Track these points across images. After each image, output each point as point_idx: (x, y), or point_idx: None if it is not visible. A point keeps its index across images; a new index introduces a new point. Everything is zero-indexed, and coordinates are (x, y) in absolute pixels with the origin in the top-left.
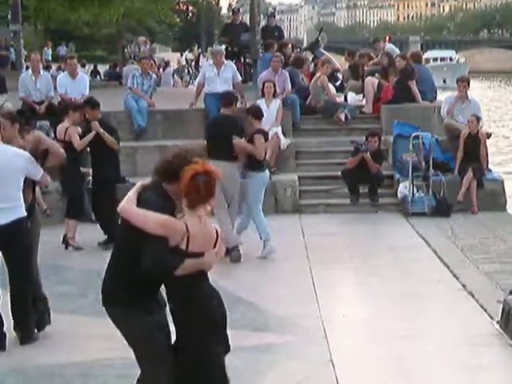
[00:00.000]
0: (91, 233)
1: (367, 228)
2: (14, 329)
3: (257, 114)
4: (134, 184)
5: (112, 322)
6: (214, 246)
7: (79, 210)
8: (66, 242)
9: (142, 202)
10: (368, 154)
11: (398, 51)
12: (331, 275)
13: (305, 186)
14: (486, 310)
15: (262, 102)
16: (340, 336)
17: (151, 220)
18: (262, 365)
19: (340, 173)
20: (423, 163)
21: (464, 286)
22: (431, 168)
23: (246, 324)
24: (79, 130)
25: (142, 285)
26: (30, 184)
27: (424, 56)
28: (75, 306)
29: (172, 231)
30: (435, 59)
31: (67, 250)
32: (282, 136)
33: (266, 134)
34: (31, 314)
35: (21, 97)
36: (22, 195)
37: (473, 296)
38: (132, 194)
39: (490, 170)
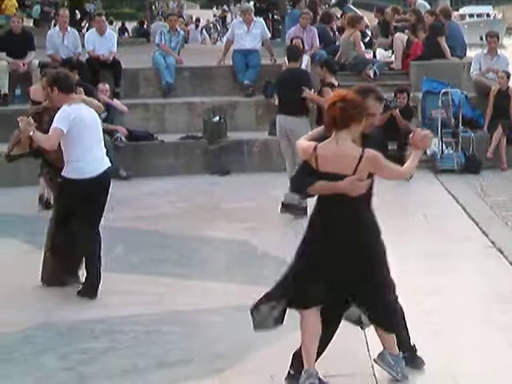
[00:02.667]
0: (119, 189)
1: (396, 185)
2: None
3: (331, 67)
4: (162, 141)
5: None
6: (355, 171)
7: None
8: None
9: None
10: (397, 110)
11: (428, 7)
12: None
13: None
14: None
15: None
16: None
17: (299, 147)
18: (291, 320)
19: None
20: (452, 120)
21: (493, 243)
22: (460, 125)
23: (274, 280)
24: None
25: None
26: None
27: (460, 12)
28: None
29: (305, 153)
30: (471, 15)
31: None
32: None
33: (334, 88)
34: None
35: (48, 54)
36: None
37: (502, 253)
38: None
39: None
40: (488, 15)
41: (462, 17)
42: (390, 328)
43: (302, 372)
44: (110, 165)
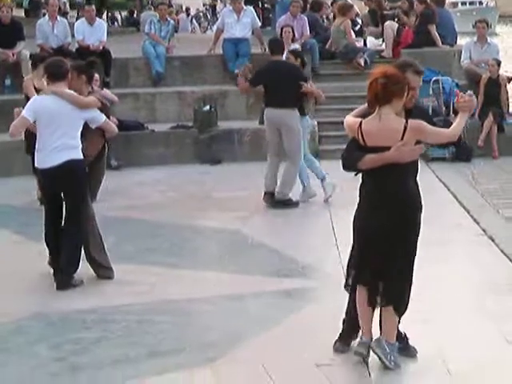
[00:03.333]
0: (110, 179)
1: None
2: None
3: (304, 61)
4: (152, 131)
5: None
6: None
7: None
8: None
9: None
10: None
11: None
12: (351, 220)
13: (324, 132)
14: (506, 255)
15: None
16: None
17: (345, 124)
18: (283, 309)
19: None
20: (443, 108)
21: (484, 230)
22: (451, 112)
23: (267, 269)
24: (43, 82)
25: None
26: (97, 133)
27: (452, 0)
28: None
29: (351, 130)
30: (463, 3)
31: None
32: None
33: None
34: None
35: (38, 43)
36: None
37: (493, 241)
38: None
39: (511, 115)
40: (480, 3)
41: (454, 4)
42: (399, 306)
43: (358, 338)
44: (79, 156)
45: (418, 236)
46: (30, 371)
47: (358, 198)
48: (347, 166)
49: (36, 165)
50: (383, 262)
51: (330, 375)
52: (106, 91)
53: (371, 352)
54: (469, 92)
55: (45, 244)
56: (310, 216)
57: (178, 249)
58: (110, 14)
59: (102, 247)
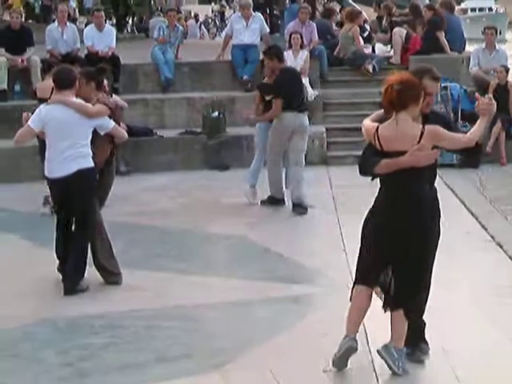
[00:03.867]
0: (118, 185)
1: None
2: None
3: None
4: (161, 136)
5: None
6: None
7: None
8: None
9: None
10: None
11: (427, 1)
12: (359, 226)
13: (332, 138)
14: None
15: (288, 54)
16: None
17: (363, 129)
18: (289, 316)
19: None
20: (452, 114)
21: (492, 237)
22: (459, 119)
23: (273, 275)
24: None
25: None
26: (106, 139)
27: (462, 6)
28: None
29: (368, 134)
30: (473, 9)
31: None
32: (309, 87)
33: None
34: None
35: (48, 49)
36: (88, 146)
37: (501, 247)
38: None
39: None
40: (490, 9)
41: (464, 11)
42: (410, 311)
43: (343, 337)
44: (90, 164)
45: (435, 240)
46: (38, 377)
47: (371, 203)
48: (363, 171)
49: (46, 174)
50: (393, 265)
51: (338, 381)
52: (116, 97)
53: (376, 357)
54: (488, 95)
55: (54, 249)
56: (317, 221)
57: (186, 254)
58: (135, 18)
59: (110, 253)
